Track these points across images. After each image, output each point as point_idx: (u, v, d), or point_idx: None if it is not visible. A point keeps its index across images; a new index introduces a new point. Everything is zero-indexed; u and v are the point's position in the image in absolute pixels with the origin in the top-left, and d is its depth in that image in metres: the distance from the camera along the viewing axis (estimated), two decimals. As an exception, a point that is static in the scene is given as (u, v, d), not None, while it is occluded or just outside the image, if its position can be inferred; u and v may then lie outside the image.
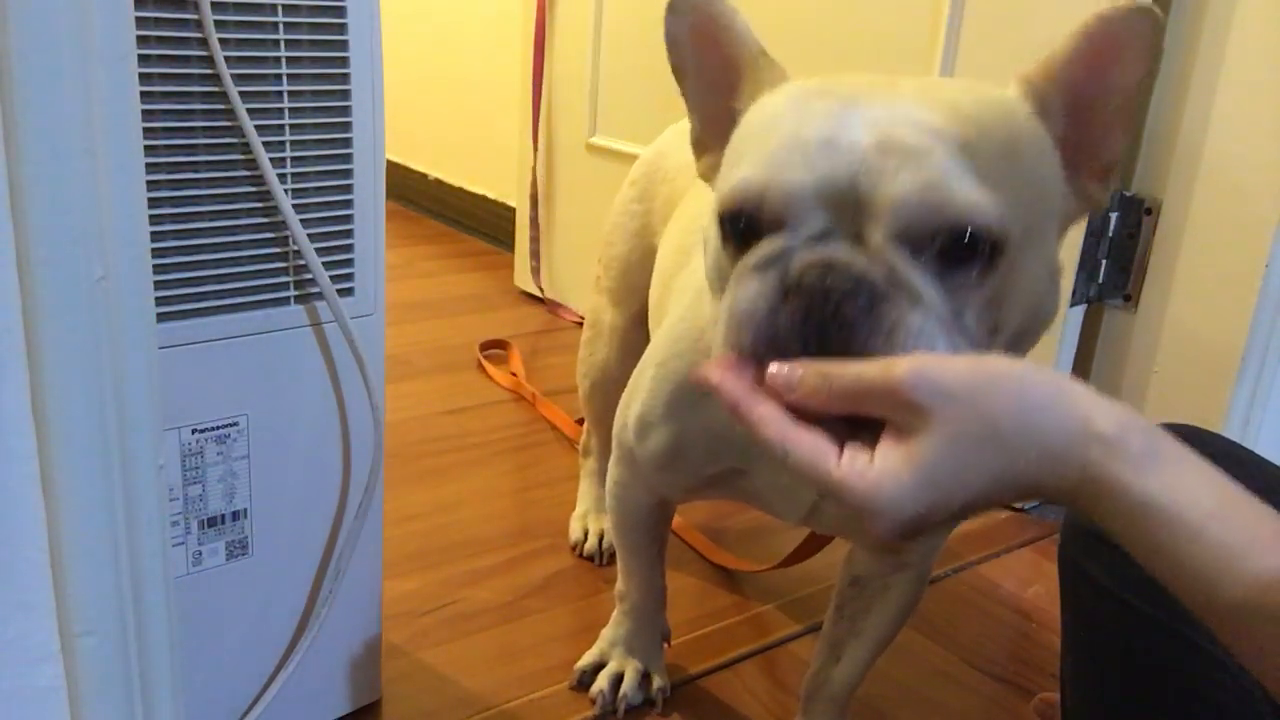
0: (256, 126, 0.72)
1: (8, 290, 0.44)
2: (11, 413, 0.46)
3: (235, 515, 0.82)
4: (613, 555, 1.26)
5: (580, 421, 1.57)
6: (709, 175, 0.65)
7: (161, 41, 0.67)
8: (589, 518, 1.32)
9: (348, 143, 0.78)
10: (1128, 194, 1.28)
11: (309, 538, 0.87)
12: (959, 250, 0.51)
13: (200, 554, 0.81)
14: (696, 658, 1.11)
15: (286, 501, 0.84)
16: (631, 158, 1.24)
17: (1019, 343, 0.57)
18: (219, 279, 0.74)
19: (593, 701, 1.02)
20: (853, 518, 0.51)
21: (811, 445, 0.49)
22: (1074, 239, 1.29)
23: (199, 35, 0.68)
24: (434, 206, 2.93)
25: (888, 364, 0.48)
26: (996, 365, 0.48)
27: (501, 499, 1.45)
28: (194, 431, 0.77)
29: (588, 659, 1.05)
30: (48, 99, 0.44)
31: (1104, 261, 1.31)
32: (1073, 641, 0.76)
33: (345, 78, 0.76)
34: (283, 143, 0.74)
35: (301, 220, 0.76)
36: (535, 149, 2.16)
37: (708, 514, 1.39)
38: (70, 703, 0.51)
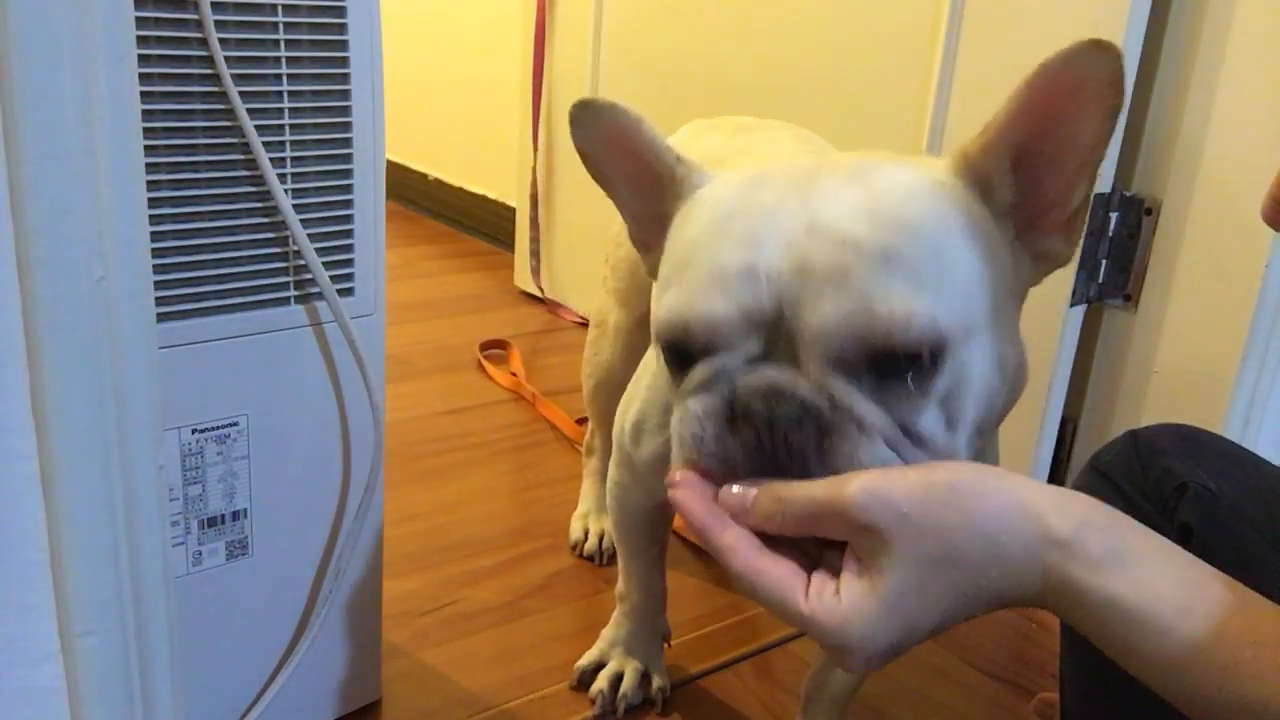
0: (256, 127, 0.72)
1: (7, 290, 0.44)
2: (11, 413, 0.46)
3: (235, 515, 0.82)
4: (613, 555, 1.26)
5: (581, 421, 1.57)
6: (653, 273, 0.64)
7: (161, 41, 0.67)
8: (590, 518, 1.32)
9: (348, 143, 0.78)
10: (1128, 194, 1.28)
11: (309, 538, 0.87)
12: (897, 363, 0.49)
13: (200, 554, 0.81)
14: (696, 658, 1.11)
15: (286, 501, 0.84)
16: (632, 158, 1.23)
17: (988, 426, 0.56)
18: (219, 279, 0.74)
19: (592, 701, 1.02)
20: None
21: (777, 579, 0.48)
22: (1074, 239, 1.28)
23: (199, 35, 0.68)
24: (434, 206, 2.93)
25: (838, 483, 0.47)
26: (947, 475, 0.47)
27: (501, 499, 1.45)
28: (194, 431, 0.77)
29: (588, 659, 1.05)
30: (48, 99, 0.44)
31: (1104, 261, 1.30)
32: (1072, 641, 0.76)
33: (345, 78, 0.76)
34: (283, 143, 0.74)
35: (301, 220, 0.76)
36: (535, 149, 2.16)
37: (708, 514, 1.39)
38: (70, 703, 0.51)
